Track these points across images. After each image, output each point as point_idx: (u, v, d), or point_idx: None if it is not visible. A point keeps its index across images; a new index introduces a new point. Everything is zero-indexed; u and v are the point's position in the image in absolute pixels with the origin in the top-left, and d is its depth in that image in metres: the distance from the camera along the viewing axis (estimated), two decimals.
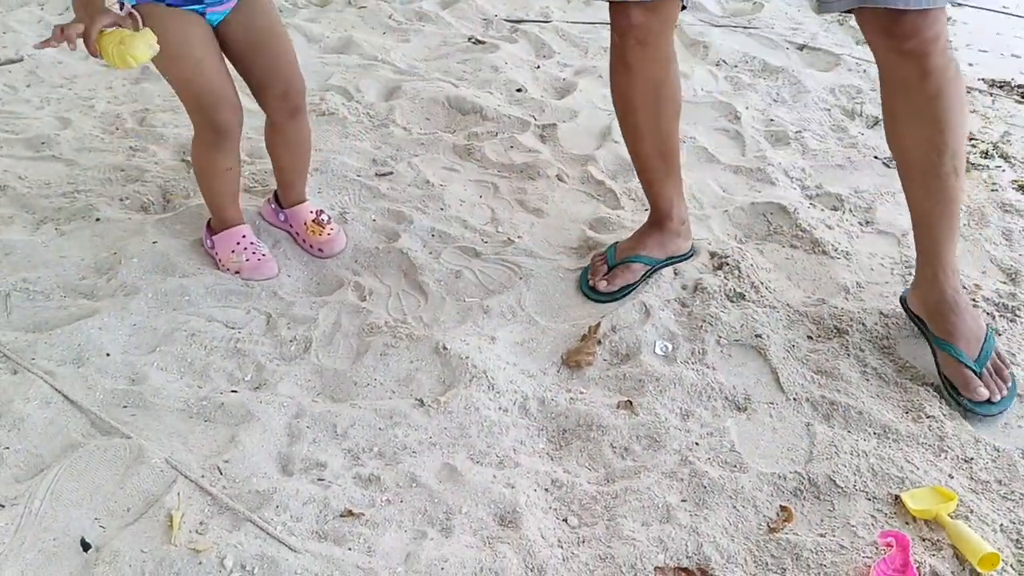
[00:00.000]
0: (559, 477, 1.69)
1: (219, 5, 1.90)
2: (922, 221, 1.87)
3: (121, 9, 1.79)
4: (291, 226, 2.24)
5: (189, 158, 2.51)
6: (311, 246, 2.19)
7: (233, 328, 1.97)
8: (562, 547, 1.56)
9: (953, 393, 1.81)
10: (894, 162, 2.67)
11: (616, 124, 2.17)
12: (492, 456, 1.71)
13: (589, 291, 2.12)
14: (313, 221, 2.19)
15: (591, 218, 2.39)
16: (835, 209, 2.44)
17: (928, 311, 1.91)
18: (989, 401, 1.77)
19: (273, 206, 2.27)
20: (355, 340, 1.96)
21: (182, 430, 1.73)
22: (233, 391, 1.82)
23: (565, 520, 1.62)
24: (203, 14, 1.89)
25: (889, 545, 1.53)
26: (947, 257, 1.87)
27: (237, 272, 2.10)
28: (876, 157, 2.70)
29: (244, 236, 2.13)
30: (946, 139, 1.72)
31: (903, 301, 2.01)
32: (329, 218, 2.21)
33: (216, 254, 2.13)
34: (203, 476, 1.62)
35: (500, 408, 1.81)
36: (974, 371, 1.80)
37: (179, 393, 1.80)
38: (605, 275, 2.13)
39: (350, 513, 1.57)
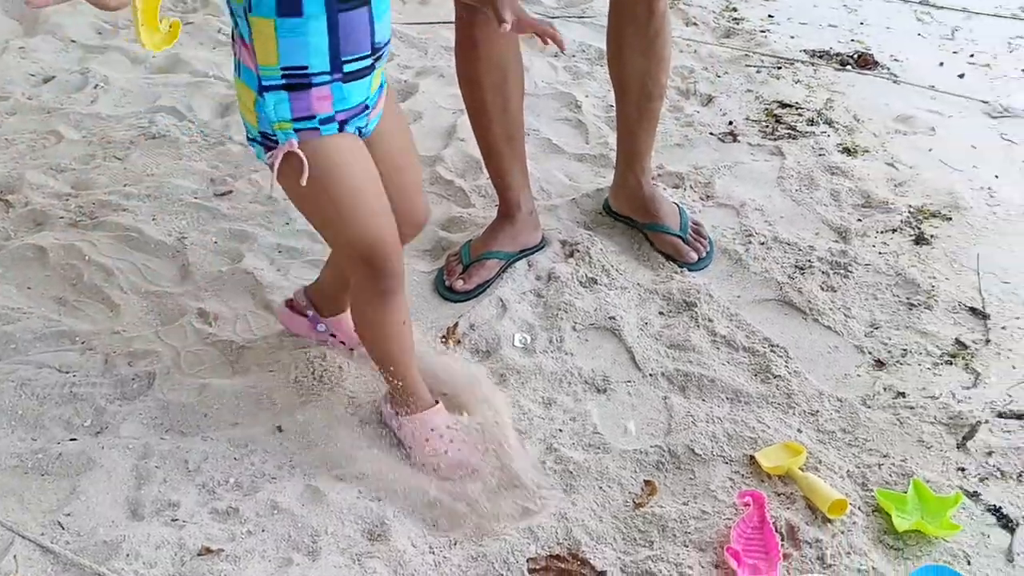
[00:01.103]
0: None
1: (374, 108, 1.49)
2: (629, 135, 2.23)
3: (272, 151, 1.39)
4: (335, 335, 1.88)
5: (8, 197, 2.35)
6: (333, 335, 1.90)
7: (67, 372, 1.85)
8: (433, 553, 1.54)
9: (672, 262, 2.19)
10: (728, 136, 2.82)
11: (462, 123, 2.18)
12: (355, 471, 1.67)
13: (446, 292, 2.11)
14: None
15: (443, 219, 2.37)
16: (676, 187, 2.51)
17: (634, 206, 2.27)
18: (699, 260, 2.18)
19: (311, 313, 1.86)
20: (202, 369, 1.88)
21: (16, 487, 1.61)
22: (72, 439, 1.71)
23: (435, 525, 1.60)
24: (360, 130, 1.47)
25: (747, 504, 1.58)
26: (646, 162, 2.27)
27: (435, 470, 1.63)
28: (712, 134, 2.79)
29: (441, 422, 1.66)
30: (661, 70, 2.10)
31: (607, 207, 2.36)
32: None
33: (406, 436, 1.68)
34: (43, 534, 1.52)
35: (361, 421, 1.77)
36: (681, 238, 2.20)
37: (11, 448, 1.68)
38: (461, 274, 2.12)
39: (208, 551, 1.50)
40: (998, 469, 1.67)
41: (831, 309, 2.08)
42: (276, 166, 1.37)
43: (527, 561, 1.52)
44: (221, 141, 2.68)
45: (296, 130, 1.37)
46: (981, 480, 1.65)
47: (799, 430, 1.76)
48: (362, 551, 1.52)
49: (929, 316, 2.05)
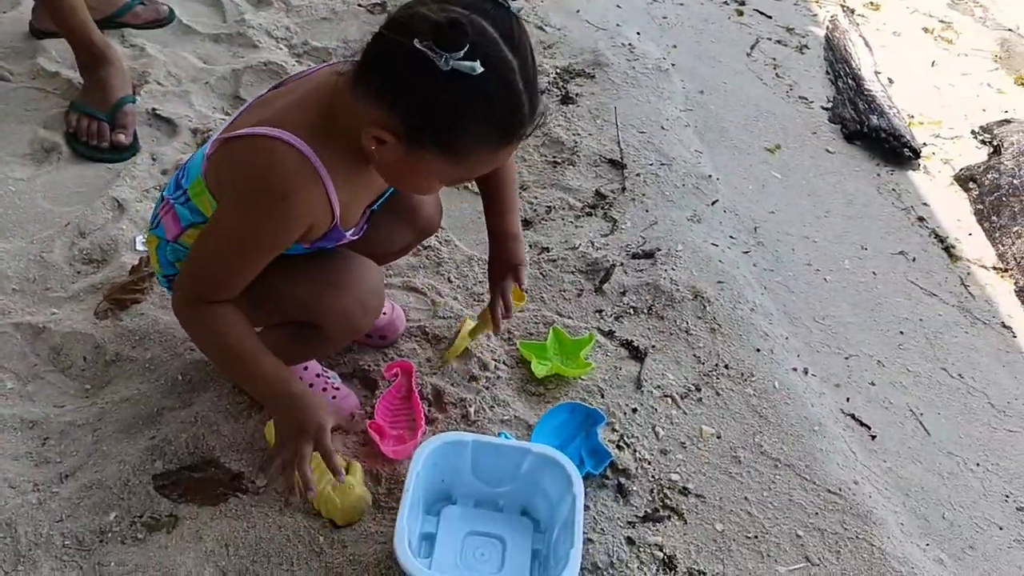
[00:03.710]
0: (33, 415, 1.45)
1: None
2: None
3: None
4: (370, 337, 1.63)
5: None
6: (368, 335, 1.60)
7: None
8: (38, 489, 1.34)
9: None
10: (376, 7, 2.67)
11: None
12: None
13: (110, 153, 1.95)
14: None
15: (42, 117, 2.04)
16: (324, 62, 2.34)
17: None
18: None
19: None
20: None
21: None
22: None
23: (46, 459, 1.39)
24: None
25: (395, 376, 1.53)
26: None
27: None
28: (360, 5, 2.63)
29: (308, 369, 1.49)
30: None
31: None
32: None
33: None
34: None
35: None
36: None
37: None
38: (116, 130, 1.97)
39: None
40: (631, 307, 1.74)
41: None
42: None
43: (153, 479, 1.36)
44: None
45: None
46: (616, 319, 1.71)
47: (455, 298, 1.72)
48: None
49: (573, 172, 2.08)
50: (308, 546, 1.30)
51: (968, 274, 2.10)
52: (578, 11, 2.79)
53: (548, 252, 1.85)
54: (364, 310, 1.34)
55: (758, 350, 1.68)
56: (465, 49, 0.98)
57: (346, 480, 1.31)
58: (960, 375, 1.83)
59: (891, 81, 2.76)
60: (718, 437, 1.52)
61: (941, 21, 3.18)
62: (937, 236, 2.20)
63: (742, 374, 1.63)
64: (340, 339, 1.39)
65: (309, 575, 1.26)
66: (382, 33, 1.05)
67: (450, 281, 1.76)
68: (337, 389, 1.48)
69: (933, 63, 2.92)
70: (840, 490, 1.47)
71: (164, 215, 1.30)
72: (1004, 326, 1.99)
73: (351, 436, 1.44)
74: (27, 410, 1.46)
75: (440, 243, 1.83)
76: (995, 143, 2.50)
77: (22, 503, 1.31)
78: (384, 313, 1.57)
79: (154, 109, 2.09)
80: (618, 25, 2.74)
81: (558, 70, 2.44)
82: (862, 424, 1.67)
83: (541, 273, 1.79)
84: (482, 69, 0.98)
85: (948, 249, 2.16)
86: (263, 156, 1.13)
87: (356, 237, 1.32)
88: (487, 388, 1.54)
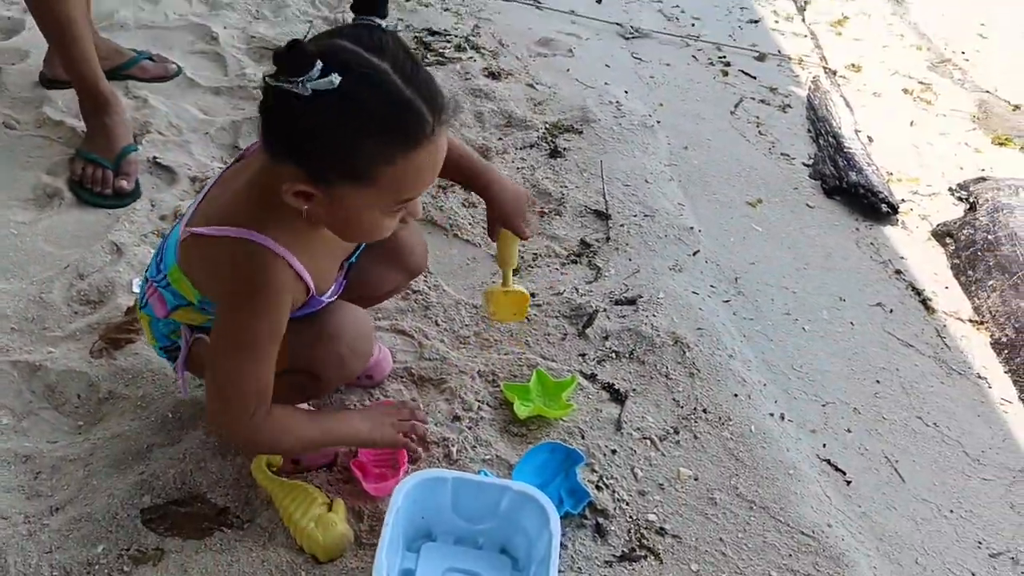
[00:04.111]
0: (27, 450, 1.49)
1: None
2: None
3: None
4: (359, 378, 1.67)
5: None
6: (356, 377, 1.60)
7: None
8: (29, 521, 1.37)
9: None
10: None
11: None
12: None
13: (112, 199, 2.03)
14: None
15: (47, 163, 2.11)
16: None
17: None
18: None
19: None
20: None
21: None
22: None
23: (37, 493, 1.43)
24: None
25: None
26: None
27: (296, 461, 1.47)
28: None
29: None
30: None
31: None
32: None
33: None
34: None
35: None
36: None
37: None
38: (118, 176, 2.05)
39: None
40: (613, 351, 1.79)
41: (470, 224, 2.12)
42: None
43: (140, 512, 1.39)
44: None
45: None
46: (599, 363, 1.76)
47: (441, 340, 1.77)
48: None
49: (559, 222, 2.15)
50: None
51: (944, 326, 2.16)
52: (568, 70, 2.89)
53: (534, 298, 1.90)
54: (355, 356, 1.38)
55: (736, 395, 1.72)
56: (319, 67, 0.97)
57: (329, 517, 1.35)
58: (935, 424, 1.87)
59: (871, 140, 2.85)
60: (695, 479, 1.56)
61: (921, 83, 3.29)
62: (914, 289, 2.26)
63: (719, 418, 1.67)
64: (333, 384, 1.45)
65: None
66: (262, 96, 1.06)
67: (437, 324, 1.81)
68: None
69: (912, 123, 3.01)
70: (814, 533, 1.50)
71: (150, 296, 1.34)
72: (979, 377, 2.03)
73: (334, 473, 1.48)
74: (21, 445, 1.50)
75: (429, 288, 1.89)
76: (971, 200, 2.58)
77: (12, 534, 1.34)
78: (371, 355, 1.62)
79: (155, 157, 2.17)
80: (606, 84, 2.84)
81: (547, 125, 2.52)
82: (837, 469, 1.71)
83: (527, 319, 1.84)
84: (339, 79, 0.98)
85: (925, 302, 2.22)
86: (225, 261, 1.17)
87: (334, 297, 1.36)
88: (470, 428, 1.58)
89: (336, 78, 0.98)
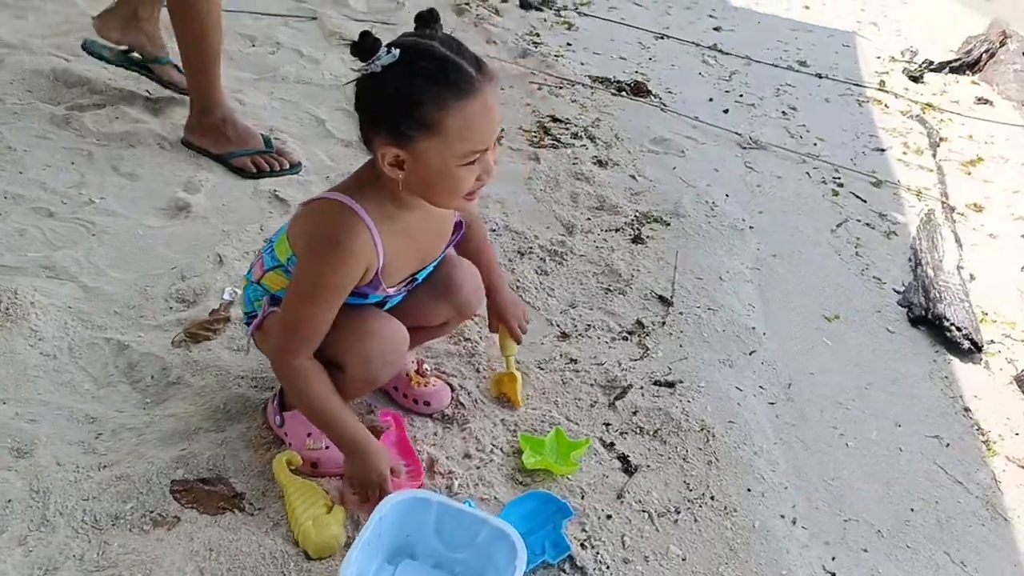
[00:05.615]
0: (97, 413, 1.70)
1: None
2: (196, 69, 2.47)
3: None
4: None
5: None
6: (415, 400, 1.80)
7: None
8: (78, 471, 1.57)
9: None
10: None
11: None
12: (20, 396, 1.68)
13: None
14: (416, 372, 1.82)
15: (185, 180, 2.42)
16: None
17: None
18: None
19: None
20: None
21: None
22: None
23: (93, 450, 1.63)
24: None
25: (387, 423, 1.70)
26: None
27: (314, 464, 1.63)
28: None
29: None
30: None
31: (185, 142, 2.57)
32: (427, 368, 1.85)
33: (286, 435, 1.65)
34: None
35: (43, 354, 1.79)
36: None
37: None
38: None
39: None
40: (638, 426, 1.84)
41: (537, 288, 2.24)
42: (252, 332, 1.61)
43: (171, 483, 1.57)
44: None
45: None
46: (621, 434, 1.82)
47: (477, 386, 1.89)
48: (3, 464, 1.54)
49: (621, 300, 2.24)
50: (279, 568, 1.45)
51: (1004, 471, 2.06)
52: (674, 168, 3.01)
53: (575, 363, 1.99)
54: (382, 358, 1.54)
55: (749, 490, 1.73)
56: (384, 49, 1.29)
57: (326, 518, 1.48)
58: (963, 562, 1.79)
59: (972, 277, 2.78)
60: (683, 559, 1.57)
61: None
62: (979, 428, 2.18)
63: (725, 507, 1.68)
64: (356, 383, 1.56)
65: None
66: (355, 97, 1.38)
67: (477, 371, 1.93)
68: None
69: (1022, 268, 2.91)
70: None
71: (256, 262, 1.61)
72: None
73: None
74: (94, 408, 1.72)
75: (479, 338, 2.02)
76: None
77: (61, 479, 1.54)
78: (433, 385, 1.79)
79: (275, 191, 2.44)
80: (708, 185, 2.93)
81: (637, 214, 2.63)
82: None
83: (562, 380, 1.93)
84: (398, 51, 1.29)
85: (988, 443, 2.13)
86: (318, 215, 1.45)
87: (396, 294, 1.56)
88: (477, 468, 1.67)
89: (396, 51, 1.30)
